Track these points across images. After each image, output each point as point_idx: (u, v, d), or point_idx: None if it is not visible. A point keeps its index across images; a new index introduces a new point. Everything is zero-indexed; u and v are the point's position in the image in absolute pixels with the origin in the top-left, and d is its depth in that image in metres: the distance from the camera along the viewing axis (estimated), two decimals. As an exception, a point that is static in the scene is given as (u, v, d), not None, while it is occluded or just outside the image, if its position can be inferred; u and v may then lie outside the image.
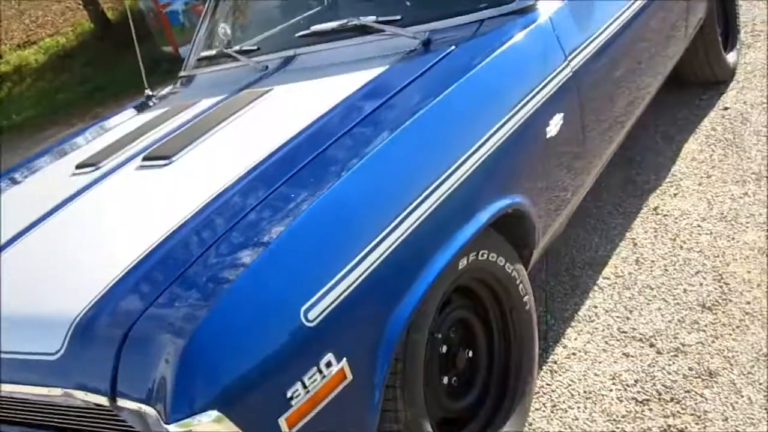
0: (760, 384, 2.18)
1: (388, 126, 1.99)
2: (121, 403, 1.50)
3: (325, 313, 1.57)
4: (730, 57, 4.25)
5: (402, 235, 1.75)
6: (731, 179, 3.26)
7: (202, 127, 2.39)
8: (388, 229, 1.73)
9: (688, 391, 2.24)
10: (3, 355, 1.71)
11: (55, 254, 1.97)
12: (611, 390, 2.34)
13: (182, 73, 3.43)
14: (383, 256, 1.69)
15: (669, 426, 2.15)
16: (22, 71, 13.96)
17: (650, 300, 2.68)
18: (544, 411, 2.33)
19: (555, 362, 2.52)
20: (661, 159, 3.60)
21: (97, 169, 2.43)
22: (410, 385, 1.81)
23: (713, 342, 2.40)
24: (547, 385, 2.43)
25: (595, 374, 2.42)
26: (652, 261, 2.89)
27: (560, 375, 2.46)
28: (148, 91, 3.32)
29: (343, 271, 1.62)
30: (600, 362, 2.46)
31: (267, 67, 2.90)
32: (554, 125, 2.36)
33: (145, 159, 2.31)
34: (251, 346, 1.49)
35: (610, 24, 2.75)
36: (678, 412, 2.18)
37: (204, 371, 1.43)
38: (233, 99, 2.59)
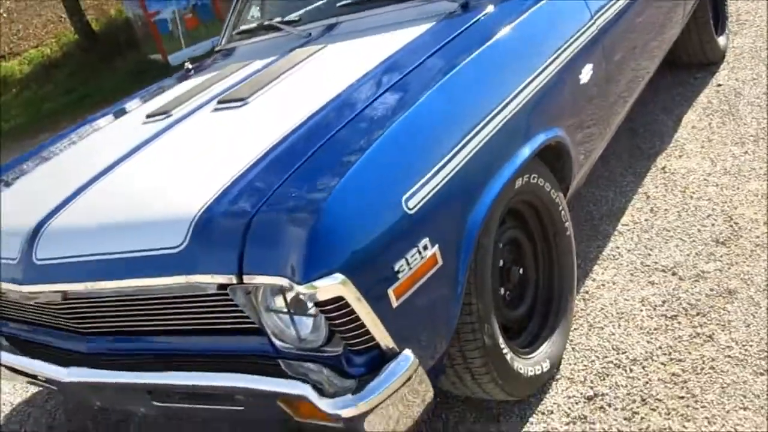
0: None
1: (450, 62, 2.24)
2: (248, 279, 1.72)
3: (422, 203, 1.82)
4: (721, 40, 4.57)
5: (476, 146, 2.01)
6: (731, 141, 3.56)
7: (267, 77, 2.62)
8: (467, 138, 1.99)
9: (711, 307, 2.51)
10: (125, 255, 1.92)
11: (162, 172, 2.19)
12: (641, 310, 2.60)
13: (219, 47, 3.65)
14: (464, 160, 1.95)
15: (698, 333, 2.41)
16: (7, 81, 14.04)
17: (668, 239, 2.95)
18: (581, 330, 2.58)
19: (586, 292, 2.77)
20: (663, 128, 3.89)
21: (168, 116, 2.65)
22: (481, 281, 2.05)
23: (729, 268, 2.67)
24: (582, 310, 2.68)
25: (625, 299, 2.67)
26: (665, 209, 3.17)
27: (593, 302, 2.71)
28: (188, 64, 3.54)
29: (434, 169, 1.87)
30: (628, 290, 2.72)
31: (310, 34, 3.12)
32: (585, 74, 2.63)
33: (219, 102, 2.53)
34: (366, 225, 1.73)
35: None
36: (705, 323, 2.44)
37: (329, 243, 1.66)
38: (290, 55, 2.82)
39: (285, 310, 1.80)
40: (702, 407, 2.12)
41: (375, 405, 1.69)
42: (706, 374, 2.24)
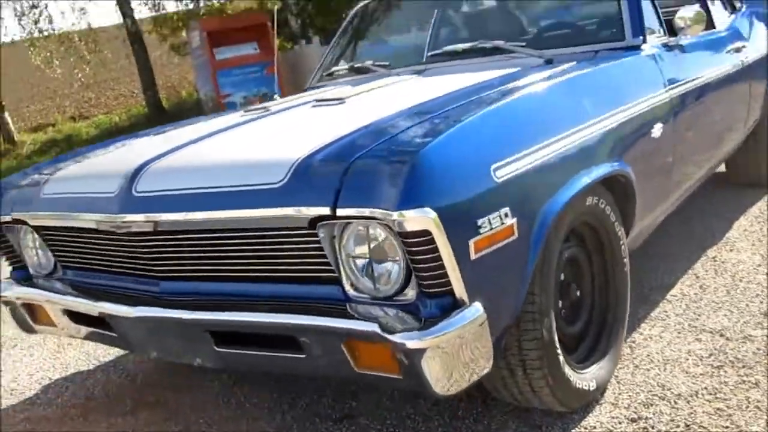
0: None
1: (544, 83, 2.45)
2: (341, 212, 1.86)
3: (508, 176, 1.96)
4: (779, 161, 4.74)
5: (561, 149, 2.18)
6: (782, 242, 3.66)
7: (363, 89, 2.84)
8: (555, 138, 2.17)
9: (757, 362, 2.55)
10: (225, 189, 2.07)
11: (263, 136, 2.37)
12: (687, 359, 2.65)
13: (309, 85, 3.91)
14: (550, 156, 2.12)
15: (744, 381, 2.45)
16: (72, 140, 14.64)
17: (716, 309, 3.02)
18: (627, 369, 2.63)
19: (633, 341, 2.83)
20: (716, 228, 4.02)
21: (267, 110, 2.86)
22: (546, 276, 2.15)
23: (774, 337, 2.72)
24: (628, 354, 2.73)
25: (671, 350, 2.73)
26: (715, 288, 3.25)
27: (639, 350, 2.77)
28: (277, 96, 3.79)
29: (524, 152, 2.03)
30: (675, 344, 2.78)
31: (399, 75, 3.36)
32: (657, 130, 2.80)
33: (317, 101, 2.74)
34: (456, 179, 1.87)
35: (701, 78, 3.26)
36: (751, 373, 2.49)
37: (422, 182, 1.80)
38: (383, 79, 3.05)
39: (366, 254, 1.91)
40: (746, 435, 2.15)
41: (439, 344, 1.77)
42: (750, 411, 2.27)
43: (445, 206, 1.79)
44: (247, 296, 2.18)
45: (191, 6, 16.34)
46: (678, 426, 2.25)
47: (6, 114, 15.42)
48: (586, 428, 2.31)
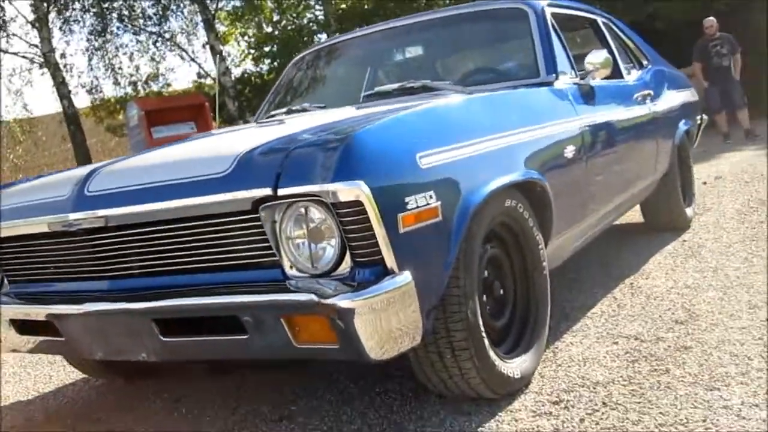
0: (729, 342, 2.73)
1: (464, 96, 2.71)
2: (282, 191, 2.04)
3: (432, 165, 2.19)
4: (688, 210, 5.12)
5: (482, 150, 2.44)
6: (692, 270, 3.96)
7: (301, 116, 3.07)
8: (478, 140, 2.41)
9: (669, 355, 2.78)
10: (172, 181, 2.24)
11: (208, 144, 2.56)
12: (605, 357, 2.85)
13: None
14: (471, 155, 2.36)
15: (656, 369, 2.66)
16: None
17: (632, 320, 3.26)
18: (550, 368, 2.82)
19: (556, 347, 3.03)
20: (632, 263, 4.30)
21: (211, 134, 3.06)
22: (469, 262, 2.36)
23: (686, 336, 2.96)
24: (550, 359, 2.92)
25: (591, 352, 2.94)
26: (631, 305, 3.50)
27: (561, 353, 2.96)
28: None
29: (446, 148, 2.27)
30: (594, 347, 2.98)
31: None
32: (569, 152, 3.09)
33: (258, 123, 2.95)
34: (385, 161, 2.09)
35: (609, 116, 3.61)
36: (662, 363, 2.70)
37: (354, 160, 2.00)
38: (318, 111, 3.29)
39: (305, 235, 2.09)
40: (656, 408, 2.34)
41: (371, 305, 1.94)
42: (661, 390, 2.47)
43: (375, 182, 1.99)
44: (193, 286, 2.31)
45: (129, 90, 16.59)
46: (596, 405, 2.43)
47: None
48: (511, 411, 2.47)
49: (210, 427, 2.73)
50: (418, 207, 2.09)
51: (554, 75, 3.37)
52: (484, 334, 2.38)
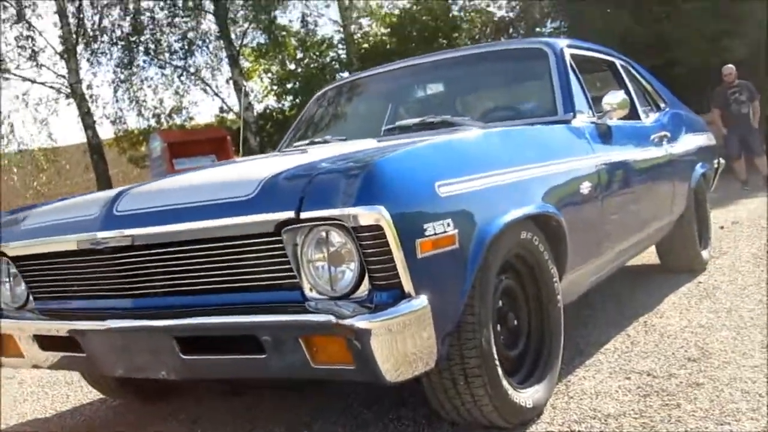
0: (741, 380, 2.75)
1: (482, 131, 2.79)
2: (305, 215, 2.12)
3: (450, 194, 2.26)
4: (704, 253, 5.15)
5: (499, 183, 2.50)
6: (706, 310, 3.98)
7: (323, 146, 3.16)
8: (494, 172, 2.48)
9: (680, 391, 2.80)
10: (198, 203, 2.32)
11: (233, 170, 2.66)
12: (618, 391, 2.88)
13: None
14: (489, 187, 2.43)
15: (667, 404, 2.69)
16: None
17: (645, 357, 3.28)
18: (562, 400, 2.85)
19: (569, 381, 3.06)
20: (647, 303, 4.33)
21: (235, 161, 3.15)
22: (484, 290, 2.41)
23: (698, 373, 2.98)
24: (562, 392, 2.95)
25: (603, 386, 2.96)
26: (645, 343, 3.52)
27: (573, 386, 2.99)
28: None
29: (464, 178, 2.34)
30: (607, 382, 3.01)
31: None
32: (585, 188, 3.15)
33: (281, 152, 3.04)
34: (404, 189, 2.16)
35: (626, 155, 3.67)
36: (673, 398, 2.73)
37: (375, 186, 2.07)
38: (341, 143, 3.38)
39: (325, 259, 2.16)
40: (666, 440, 2.37)
41: (388, 326, 2.00)
42: (672, 423, 2.50)
43: (395, 207, 2.06)
44: (214, 306, 2.37)
45: (152, 122, 16.85)
46: (606, 435, 2.46)
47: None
48: (523, 439, 2.50)
49: (225, 447, 2.77)
50: (436, 234, 2.16)
51: (572, 114, 3.44)
52: (497, 363, 2.43)
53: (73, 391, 3.97)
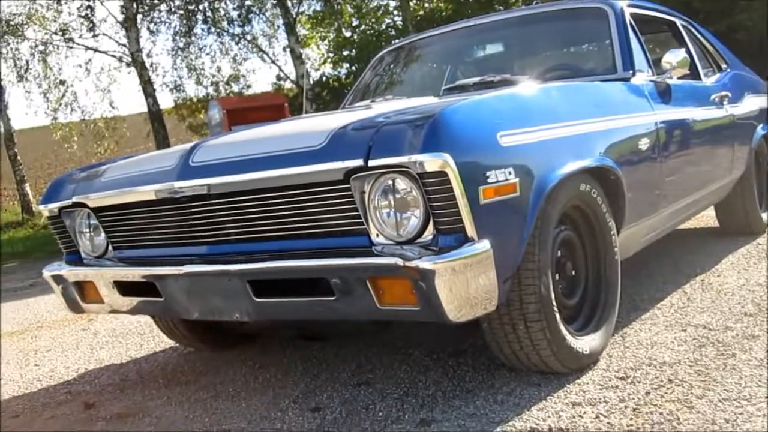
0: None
1: (543, 85, 2.85)
2: (373, 163, 2.22)
3: (511, 144, 2.34)
4: (765, 215, 5.11)
5: (560, 135, 2.57)
6: (764, 270, 3.98)
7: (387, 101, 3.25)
8: (557, 125, 2.55)
9: (736, 342, 2.85)
10: (271, 154, 2.45)
11: (301, 123, 2.77)
12: (673, 342, 2.94)
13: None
14: (549, 139, 2.50)
15: (722, 354, 2.74)
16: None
17: (701, 312, 3.32)
18: (618, 349, 2.92)
19: (625, 333, 3.13)
20: (705, 263, 4.34)
21: (300, 117, 3.26)
22: (544, 239, 2.49)
23: (755, 327, 3.02)
24: (620, 341, 3.02)
25: (659, 337, 3.02)
26: (701, 299, 3.56)
27: (630, 338, 3.06)
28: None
29: (525, 130, 2.41)
30: (663, 334, 3.07)
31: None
32: (644, 144, 3.19)
33: (345, 108, 3.14)
34: (468, 138, 2.24)
35: (685, 114, 3.68)
36: (728, 348, 2.78)
37: (440, 135, 2.16)
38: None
39: (392, 205, 2.26)
40: (721, 386, 2.43)
41: (452, 267, 2.09)
42: (726, 371, 2.56)
43: (459, 155, 2.15)
44: (284, 251, 2.50)
45: (211, 90, 17.12)
46: (662, 381, 2.53)
47: (27, 185, 15.96)
48: (579, 383, 2.59)
49: (292, 390, 2.92)
50: (498, 181, 2.25)
51: (631, 72, 3.47)
52: (555, 309, 2.51)
53: (146, 340, 4.17)
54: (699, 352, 2.78)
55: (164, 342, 3.99)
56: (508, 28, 4.09)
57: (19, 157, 16.04)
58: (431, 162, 2.11)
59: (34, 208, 15.90)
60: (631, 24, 3.68)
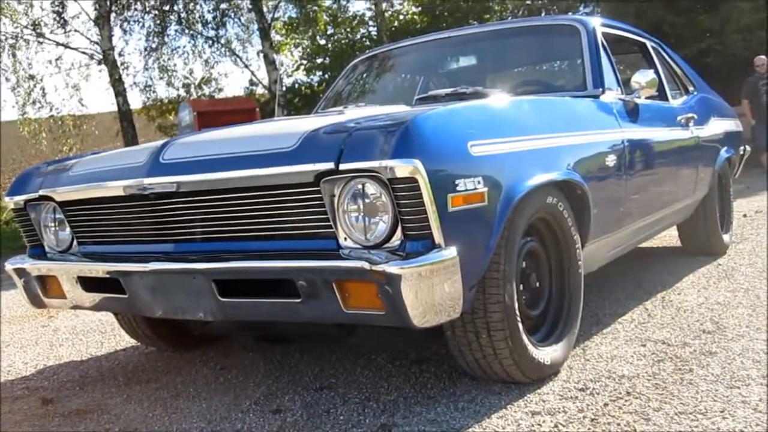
0: (753, 351, 2.85)
1: (512, 98, 2.89)
2: (343, 166, 2.23)
3: (481, 154, 2.37)
4: (725, 237, 5.21)
5: (528, 148, 2.60)
6: (724, 290, 4.06)
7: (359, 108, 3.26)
8: (524, 137, 2.59)
9: (694, 358, 2.90)
10: (242, 154, 2.45)
11: (274, 125, 2.77)
12: (632, 356, 2.98)
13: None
14: (519, 152, 2.54)
15: (680, 369, 2.79)
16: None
17: (661, 328, 3.38)
18: (578, 362, 2.96)
19: (585, 346, 3.17)
20: (665, 281, 4.41)
21: (273, 120, 3.27)
22: (510, 249, 2.52)
23: (712, 344, 3.08)
24: (580, 354, 3.06)
25: (619, 351, 3.07)
26: (661, 315, 3.62)
27: (590, 351, 3.10)
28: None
29: (495, 140, 2.45)
30: (622, 348, 3.11)
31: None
32: (611, 161, 3.24)
33: (317, 113, 3.15)
34: (438, 146, 2.26)
35: (652, 132, 3.75)
36: (686, 364, 2.83)
37: (411, 142, 2.18)
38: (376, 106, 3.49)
39: (361, 210, 2.27)
40: (677, 399, 2.48)
41: (418, 272, 2.11)
42: (684, 385, 2.61)
43: (429, 162, 2.17)
44: (252, 252, 2.50)
45: (182, 92, 17.02)
46: (620, 393, 2.57)
47: (-9, 178, 15.71)
48: (539, 393, 2.62)
49: (254, 392, 2.91)
50: (466, 190, 2.27)
51: (601, 89, 3.53)
52: (519, 318, 2.54)
53: (107, 338, 4.13)
54: (657, 366, 2.83)
55: (125, 341, 3.96)
56: (483, 41, 4.14)
57: (-17, 150, 15.77)
58: (401, 168, 2.12)
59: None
60: (602, 43, 3.75)
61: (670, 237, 5.77)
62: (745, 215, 6.87)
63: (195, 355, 3.52)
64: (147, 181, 2.58)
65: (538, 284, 2.83)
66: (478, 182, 2.32)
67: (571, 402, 2.52)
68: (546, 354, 2.71)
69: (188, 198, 2.56)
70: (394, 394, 2.72)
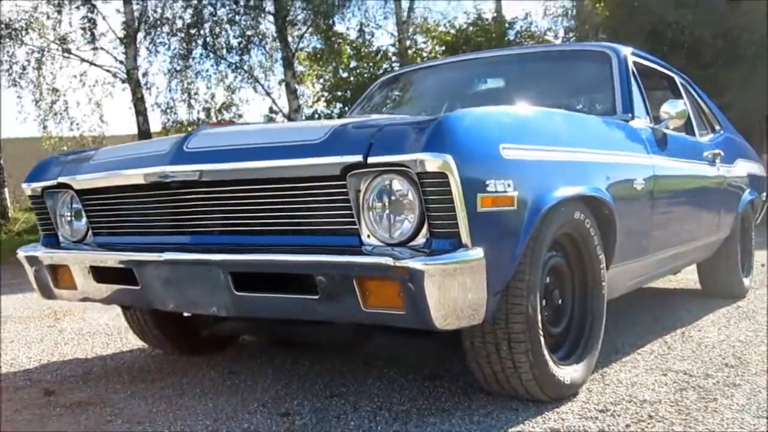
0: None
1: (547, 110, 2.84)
2: (372, 160, 2.18)
3: (511, 158, 2.31)
4: (746, 280, 5.12)
5: (559, 159, 2.55)
6: (745, 329, 3.96)
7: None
8: (555, 147, 2.54)
9: (717, 389, 2.80)
10: (269, 144, 2.40)
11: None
12: (653, 383, 2.89)
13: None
14: (550, 159, 2.51)
15: (703, 397, 2.69)
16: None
17: (682, 360, 3.28)
18: (598, 386, 2.87)
19: (605, 372, 3.08)
20: (685, 318, 4.32)
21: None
22: (535, 260, 2.45)
23: (735, 377, 2.98)
24: (600, 379, 2.97)
25: (639, 379, 2.97)
26: (682, 349, 3.52)
27: (610, 377, 3.01)
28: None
29: (526, 147, 2.40)
30: (643, 376, 3.02)
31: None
32: (639, 184, 3.18)
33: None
34: (470, 145, 2.21)
35: (679, 164, 3.69)
36: (709, 393, 2.74)
37: (443, 138, 2.13)
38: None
39: (386, 206, 2.22)
40: (702, 425, 2.38)
41: (442, 270, 2.04)
42: (708, 413, 2.51)
43: (461, 160, 2.12)
44: (270, 246, 2.44)
45: (202, 115, 17.09)
46: (642, 417, 2.48)
47: (5, 190, 15.74)
48: (558, 412, 2.53)
49: (262, 395, 2.83)
50: (497, 192, 2.21)
51: (630, 115, 3.48)
52: (541, 331, 2.46)
53: (113, 340, 4.07)
54: (680, 394, 2.74)
55: (132, 343, 3.89)
56: (514, 63, 4.12)
57: (2, 161, 15.84)
58: (432, 162, 2.07)
59: (11, 214, 15.66)
60: (633, 72, 3.71)
61: (687, 279, 5.67)
62: (763, 264, 6.76)
63: (202, 359, 3.45)
64: (170, 169, 2.53)
65: (560, 301, 2.75)
66: (509, 185, 2.26)
67: (591, 422, 2.43)
68: (566, 373, 2.62)
69: (210, 188, 2.51)
70: (407, 405, 2.63)
